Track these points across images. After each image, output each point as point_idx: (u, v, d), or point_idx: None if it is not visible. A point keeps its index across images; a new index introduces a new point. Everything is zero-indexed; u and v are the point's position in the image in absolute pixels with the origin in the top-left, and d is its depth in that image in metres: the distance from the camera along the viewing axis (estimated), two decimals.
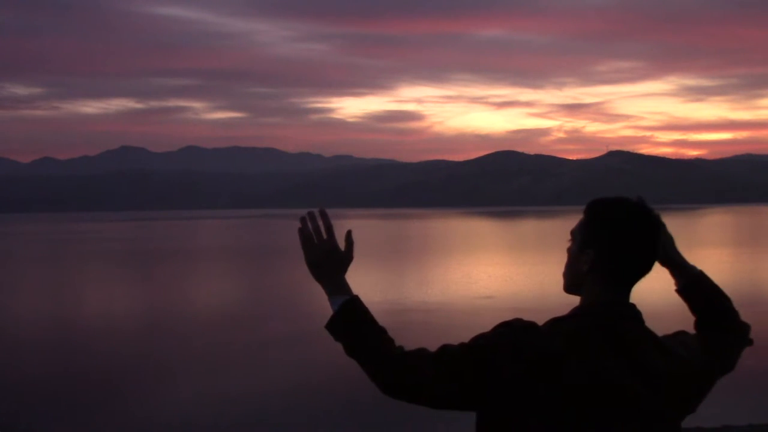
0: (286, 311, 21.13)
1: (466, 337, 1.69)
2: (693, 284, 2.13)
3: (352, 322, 1.86)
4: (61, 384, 12.82)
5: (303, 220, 1.94)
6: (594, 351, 1.71)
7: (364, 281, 27.38)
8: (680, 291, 2.15)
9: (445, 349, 1.77)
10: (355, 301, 1.89)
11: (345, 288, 1.92)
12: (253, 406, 11.18)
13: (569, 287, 1.92)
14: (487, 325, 1.62)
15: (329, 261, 1.92)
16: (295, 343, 15.98)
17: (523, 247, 49.47)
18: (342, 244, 1.96)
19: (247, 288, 28.87)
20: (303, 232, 1.93)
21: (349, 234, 1.96)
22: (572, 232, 1.92)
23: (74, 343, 16.85)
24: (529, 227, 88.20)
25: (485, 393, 1.70)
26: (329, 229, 1.93)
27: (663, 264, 2.12)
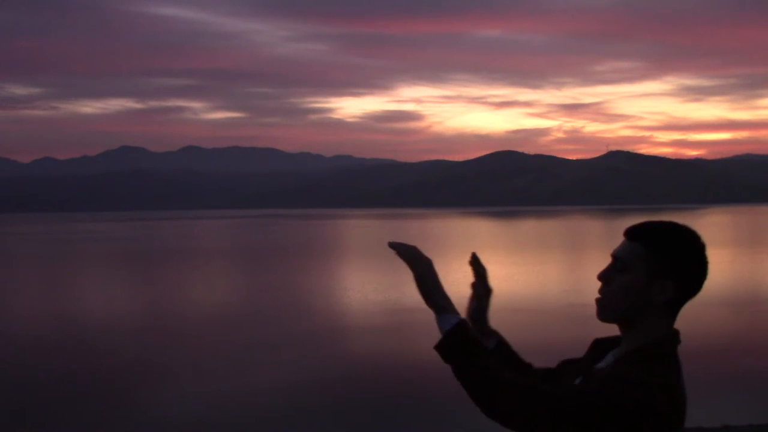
0: (286, 311, 21.12)
1: None
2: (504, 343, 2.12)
3: (467, 343, 1.76)
4: (61, 383, 12.82)
5: (394, 245, 1.88)
6: (682, 389, 1.72)
7: (365, 281, 27.39)
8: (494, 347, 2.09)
9: (566, 392, 1.69)
10: (466, 321, 1.81)
11: (453, 305, 1.81)
12: (254, 405, 11.19)
13: (617, 317, 1.80)
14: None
15: (434, 271, 1.85)
16: (296, 342, 15.96)
17: (522, 247, 49.47)
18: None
19: (246, 288, 28.86)
20: (405, 246, 1.86)
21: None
22: (619, 258, 1.79)
23: (74, 343, 16.85)
24: (528, 227, 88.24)
25: None
26: (415, 248, 1.87)
27: (479, 316, 2.11)
